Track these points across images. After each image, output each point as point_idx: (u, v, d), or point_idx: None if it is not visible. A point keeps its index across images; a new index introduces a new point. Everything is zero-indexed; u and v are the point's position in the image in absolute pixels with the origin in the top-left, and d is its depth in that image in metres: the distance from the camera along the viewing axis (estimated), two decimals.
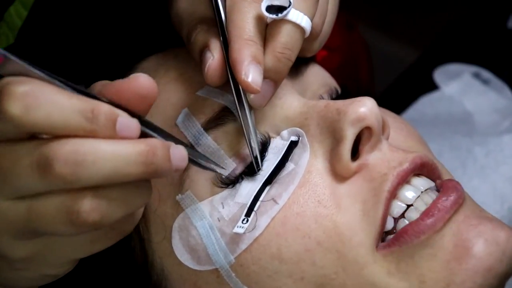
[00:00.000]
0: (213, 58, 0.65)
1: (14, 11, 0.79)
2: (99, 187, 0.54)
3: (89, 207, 0.53)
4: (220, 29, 0.66)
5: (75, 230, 0.54)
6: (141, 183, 0.56)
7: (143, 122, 0.56)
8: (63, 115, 0.52)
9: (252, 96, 0.65)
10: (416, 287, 0.63)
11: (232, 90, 0.65)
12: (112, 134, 0.53)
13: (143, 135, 0.55)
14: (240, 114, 0.66)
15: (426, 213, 0.64)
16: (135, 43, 0.79)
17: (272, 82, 0.65)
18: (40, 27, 0.80)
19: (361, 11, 1.45)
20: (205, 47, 0.66)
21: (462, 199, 0.65)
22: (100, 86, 0.57)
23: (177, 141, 0.58)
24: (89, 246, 0.58)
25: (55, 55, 0.81)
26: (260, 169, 0.66)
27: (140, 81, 0.56)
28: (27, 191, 0.54)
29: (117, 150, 0.53)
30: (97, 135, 0.53)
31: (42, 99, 0.52)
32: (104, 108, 0.54)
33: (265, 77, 0.64)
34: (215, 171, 0.63)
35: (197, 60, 0.67)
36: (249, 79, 0.62)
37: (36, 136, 0.54)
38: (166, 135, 0.58)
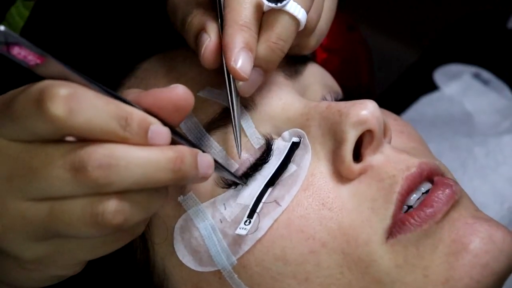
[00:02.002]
0: (210, 40, 0.65)
1: (15, 11, 0.79)
2: (124, 191, 0.55)
3: (114, 209, 0.54)
4: (219, 11, 0.66)
5: (97, 232, 0.55)
6: (161, 188, 0.58)
7: (173, 131, 0.57)
8: (102, 121, 0.53)
9: (240, 83, 0.65)
10: (420, 281, 0.63)
11: (225, 74, 0.66)
12: (144, 141, 0.55)
13: (172, 144, 0.57)
14: (230, 101, 0.66)
15: (425, 204, 0.64)
16: (136, 44, 0.79)
17: (262, 71, 0.65)
18: (42, 27, 0.80)
19: (361, 11, 1.45)
20: (201, 30, 0.66)
21: (457, 196, 0.65)
22: (136, 93, 0.58)
23: (203, 150, 0.59)
24: (101, 248, 0.59)
25: (56, 55, 0.81)
26: (239, 154, 0.66)
27: (178, 92, 0.57)
28: (53, 193, 0.55)
29: (148, 156, 0.54)
30: (129, 142, 0.54)
31: (85, 102, 0.53)
32: (138, 116, 0.55)
33: (256, 65, 0.64)
34: (237, 179, 0.65)
35: (192, 44, 0.67)
36: (238, 66, 0.62)
37: (63, 139, 0.55)
38: (194, 145, 0.59)
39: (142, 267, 0.69)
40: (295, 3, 0.64)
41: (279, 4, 0.63)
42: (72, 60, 0.80)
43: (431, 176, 0.67)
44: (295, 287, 0.64)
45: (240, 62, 0.62)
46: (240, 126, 0.66)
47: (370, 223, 0.64)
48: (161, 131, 0.56)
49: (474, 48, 1.27)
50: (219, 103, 0.68)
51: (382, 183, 0.65)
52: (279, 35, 0.64)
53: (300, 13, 0.64)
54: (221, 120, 0.68)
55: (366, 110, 0.65)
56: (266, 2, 0.64)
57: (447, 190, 0.65)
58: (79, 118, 0.53)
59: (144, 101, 0.57)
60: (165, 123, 0.57)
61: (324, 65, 0.80)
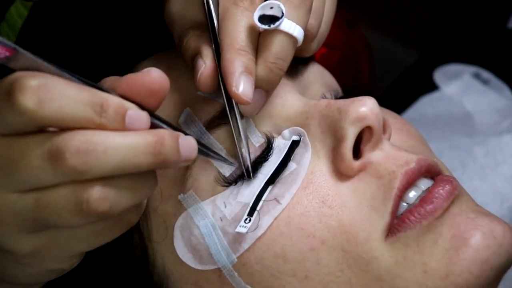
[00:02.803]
0: (205, 66, 0.65)
1: (15, 10, 0.79)
2: (107, 177, 0.54)
3: (98, 196, 0.54)
4: (212, 36, 0.66)
5: (84, 220, 0.55)
6: (147, 173, 0.57)
7: (153, 115, 0.57)
8: (74, 109, 0.53)
9: (243, 106, 0.65)
10: (419, 277, 0.63)
11: (223, 98, 0.66)
12: (122, 127, 0.54)
13: (153, 128, 0.56)
14: (231, 122, 0.66)
15: (425, 200, 0.64)
16: (136, 43, 0.79)
17: (264, 91, 0.65)
18: (41, 27, 0.80)
19: (361, 11, 1.45)
20: (197, 54, 0.66)
21: (457, 191, 0.65)
22: (111, 80, 0.57)
23: (186, 134, 0.58)
24: (95, 238, 0.59)
25: (56, 55, 0.81)
26: (250, 177, 0.66)
27: (152, 75, 0.56)
28: (36, 183, 0.54)
29: (126, 141, 0.54)
30: (107, 128, 0.54)
31: (55, 92, 0.53)
32: (114, 101, 0.54)
33: (257, 86, 0.64)
34: (226, 161, 0.64)
35: (189, 65, 0.67)
36: (240, 91, 0.62)
37: (43, 129, 0.54)
38: (174, 128, 0.58)
39: (142, 265, 0.69)
40: (289, 21, 0.64)
41: (272, 26, 0.63)
42: (72, 59, 0.80)
43: (430, 172, 0.67)
44: (295, 285, 0.64)
45: (242, 87, 0.62)
46: (240, 129, 0.66)
47: (370, 221, 0.64)
48: (139, 116, 0.55)
49: (474, 48, 1.27)
50: (219, 101, 0.68)
51: (381, 179, 0.65)
52: (276, 55, 0.64)
53: (295, 30, 0.64)
54: (221, 118, 0.68)
55: (365, 107, 0.65)
56: (259, 24, 0.63)
57: (447, 186, 0.65)
58: (50, 108, 0.52)
59: (119, 87, 0.56)
60: (143, 107, 0.56)
61: (323, 60, 0.80)
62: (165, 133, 0.56)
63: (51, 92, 0.53)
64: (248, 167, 0.66)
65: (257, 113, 0.67)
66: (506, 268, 0.64)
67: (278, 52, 0.64)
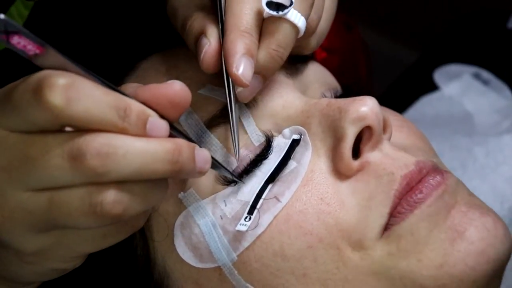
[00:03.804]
0: (210, 45, 0.65)
1: (15, 11, 0.79)
2: (122, 181, 0.55)
3: (113, 199, 0.54)
4: (220, 16, 0.66)
5: (96, 222, 0.55)
6: (160, 180, 0.57)
7: (171, 126, 0.57)
8: (100, 111, 0.53)
9: (239, 89, 0.65)
10: (414, 266, 0.63)
11: (224, 79, 0.66)
12: (142, 133, 0.55)
13: (170, 137, 0.57)
14: (230, 116, 0.66)
15: (413, 190, 0.64)
16: (136, 43, 0.79)
17: (261, 77, 0.65)
18: (42, 27, 0.80)
19: (361, 11, 1.45)
20: (201, 34, 0.66)
21: (448, 180, 0.65)
22: (134, 87, 0.58)
23: (200, 146, 0.59)
24: (101, 240, 0.59)
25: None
26: (237, 158, 0.66)
27: (176, 88, 0.57)
28: (52, 182, 0.54)
29: (146, 147, 0.54)
30: (128, 132, 0.54)
31: (83, 92, 0.53)
32: (137, 107, 0.55)
33: (256, 72, 0.64)
34: (233, 176, 0.65)
35: (192, 48, 0.67)
36: (239, 72, 0.62)
37: (62, 129, 0.55)
38: (191, 140, 0.59)
39: (143, 264, 0.69)
40: (296, 11, 0.64)
41: (280, 12, 0.63)
42: (73, 59, 0.80)
43: (431, 174, 0.67)
44: (293, 283, 0.64)
45: (242, 68, 0.62)
46: (238, 127, 0.66)
47: (367, 221, 0.64)
48: (159, 124, 0.56)
49: (474, 48, 1.27)
50: (220, 100, 0.68)
51: (379, 180, 0.65)
52: (279, 43, 0.64)
53: (300, 21, 0.64)
54: (222, 117, 0.68)
55: (366, 107, 0.65)
56: (267, 9, 0.64)
57: (437, 177, 0.65)
58: (78, 108, 0.53)
59: (141, 95, 0.57)
60: (162, 117, 0.57)
61: (324, 64, 0.80)
62: (183, 142, 0.56)
63: (79, 92, 0.53)
64: (242, 168, 0.66)
65: (251, 98, 0.67)
66: (503, 261, 0.64)
67: (281, 40, 0.64)
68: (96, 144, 0.53)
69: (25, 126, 0.55)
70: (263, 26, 0.65)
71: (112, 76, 0.73)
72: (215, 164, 0.63)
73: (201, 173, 0.58)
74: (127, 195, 0.55)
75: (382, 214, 0.64)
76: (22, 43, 0.51)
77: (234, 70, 0.62)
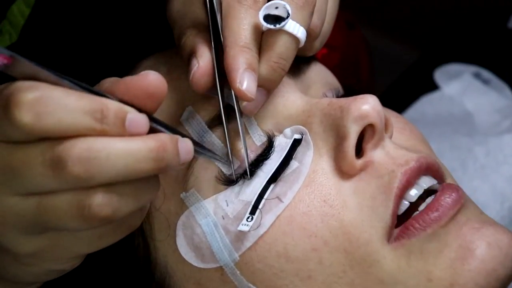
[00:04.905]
0: (198, 66, 0.65)
1: (16, 9, 0.79)
2: (110, 183, 0.54)
3: (101, 201, 0.54)
4: (214, 34, 0.66)
5: (86, 224, 0.54)
6: (150, 178, 0.57)
7: (150, 118, 0.56)
8: (74, 118, 0.53)
9: (244, 103, 0.65)
10: (423, 285, 0.63)
11: (218, 97, 0.66)
12: (122, 131, 0.54)
13: (150, 130, 0.56)
14: (224, 122, 0.66)
15: (430, 208, 0.64)
16: (137, 42, 0.79)
17: (265, 90, 0.65)
18: (43, 25, 0.80)
19: (362, 11, 1.45)
20: (192, 53, 0.66)
21: (463, 199, 0.65)
22: (109, 83, 0.57)
23: (182, 135, 0.58)
24: (97, 241, 0.58)
25: (57, 53, 0.81)
26: (248, 178, 0.66)
27: (149, 78, 0.56)
28: (38, 189, 0.54)
29: (128, 147, 0.53)
30: (108, 133, 0.53)
31: (52, 105, 0.52)
32: (113, 106, 0.54)
33: (259, 85, 0.64)
34: (221, 159, 0.65)
35: (186, 65, 0.67)
36: (244, 87, 0.62)
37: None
38: (172, 130, 0.58)
39: (144, 264, 0.69)
40: (294, 22, 0.64)
41: (277, 26, 0.63)
42: (73, 58, 0.80)
43: (431, 170, 0.67)
44: (298, 285, 0.64)
45: (246, 83, 0.62)
46: (244, 130, 0.66)
47: (371, 222, 0.64)
48: (138, 119, 0.54)
49: (474, 47, 1.27)
50: (218, 98, 0.68)
51: (381, 180, 0.65)
52: (279, 55, 0.64)
53: (299, 31, 0.64)
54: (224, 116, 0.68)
55: (368, 105, 0.65)
56: (264, 24, 0.63)
57: (453, 194, 0.65)
58: (49, 121, 0.52)
59: (117, 90, 0.56)
60: (141, 110, 0.56)
61: (325, 60, 0.80)
62: (166, 137, 0.55)
63: (49, 105, 0.52)
64: (246, 168, 0.66)
65: (256, 111, 0.67)
66: (511, 278, 0.64)
67: (281, 52, 0.64)
68: (76, 150, 0.52)
69: (4, 139, 0.54)
70: (263, 39, 0.65)
71: (113, 75, 0.73)
72: (198, 150, 0.61)
73: (184, 164, 0.57)
74: (115, 196, 0.54)
75: (384, 215, 0.64)
76: None
77: (238, 85, 0.62)
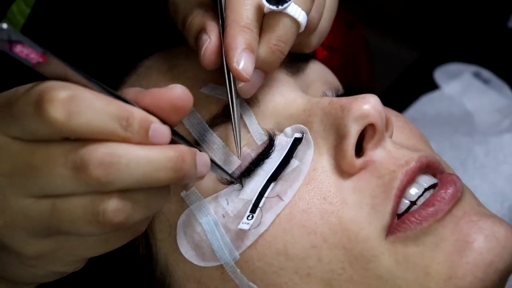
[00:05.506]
0: (210, 41, 0.65)
1: (16, 8, 0.79)
2: (125, 190, 0.54)
3: (116, 207, 0.54)
4: (220, 12, 0.66)
5: (99, 230, 0.55)
6: (163, 187, 0.57)
7: (172, 131, 0.57)
8: (102, 122, 0.53)
9: (241, 84, 0.65)
10: (421, 278, 0.63)
11: (225, 75, 0.66)
12: (145, 140, 0.55)
13: (170, 142, 0.56)
14: (232, 115, 0.66)
15: (426, 203, 0.64)
16: (138, 42, 0.79)
17: (262, 72, 0.65)
18: (43, 25, 0.80)
19: (361, 11, 1.45)
20: (201, 30, 0.66)
21: (460, 193, 0.65)
22: (135, 92, 0.57)
23: (200, 150, 0.59)
24: (103, 245, 0.59)
25: (57, 53, 0.81)
26: (239, 155, 0.66)
27: (177, 92, 0.57)
28: (55, 191, 0.54)
29: (149, 155, 0.54)
30: (130, 141, 0.54)
31: (84, 106, 0.53)
32: (139, 115, 0.55)
33: (257, 67, 0.64)
34: (233, 179, 0.65)
35: (192, 44, 0.67)
36: (240, 67, 0.62)
37: (67, 138, 0.54)
38: (190, 144, 0.59)
39: (145, 263, 0.69)
40: (296, 6, 0.64)
41: (280, 7, 0.63)
42: (74, 58, 0.80)
43: (431, 168, 0.67)
44: (297, 282, 0.64)
45: (243, 63, 0.62)
46: (240, 125, 0.66)
47: (370, 220, 0.64)
48: (161, 130, 0.55)
49: (474, 47, 1.27)
50: (222, 99, 0.68)
51: (381, 179, 0.65)
52: (279, 37, 0.64)
53: (300, 15, 0.64)
54: (224, 116, 0.68)
55: (368, 104, 0.65)
56: (266, 4, 0.64)
57: (450, 189, 0.65)
58: (78, 121, 0.53)
59: (142, 100, 0.56)
60: (163, 122, 0.57)
61: (325, 63, 0.80)
62: (185, 149, 0.56)
63: (80, 105, 0.53)
64: (239, 144, 0.66)
65: (252, 93, 0.67)
66: (510, 270, 0.64)
67: (281, 34, 0.64)
68: (99, 154, 0.53)
69: (27, 136, 0.55)
70: (264, 21, 0.65)
71: (114, 75, 0.73)
72: (214, 166, 0.63)
73: (201, 178, 0.58)
74: (129, 203, 0.55)
75: (384, 214, 0.64)
76: (25, 51, 0.51)
77: (234, 64, 0.62)
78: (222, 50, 0.65)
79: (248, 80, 0.63)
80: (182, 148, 0.56)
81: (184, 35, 0.69)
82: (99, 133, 0.53)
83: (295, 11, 0.64)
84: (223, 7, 0.66)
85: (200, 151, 0.59)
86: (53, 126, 0.52)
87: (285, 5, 0.63)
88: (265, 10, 0.64)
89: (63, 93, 0.53)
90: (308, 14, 0.65)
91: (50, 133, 0.53)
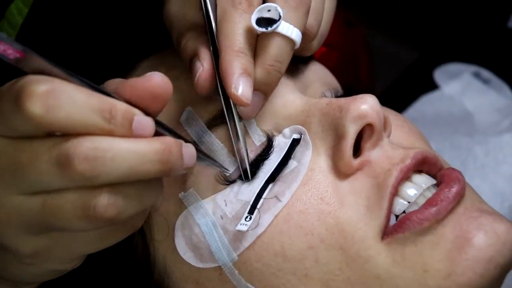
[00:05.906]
0: (203, 69, 0.65)
1: (15, 8, 0.79)
2: (115, 184, 0.54)
3: (106, 202, 0.54)
4: (210, 38, 0.66)
5: (90, 225, 0.54)
6: (154, 180, 0.57)
7: (155, 121, 0.56)
8: (83, 115, 0.53)
9: (242, 108, 0.65)
10: (420, 276, 0.62)
11: (221, 100, 0.66)
12: (129, 133, 0.54)
13: (155, 133, 0.56)
14: (229, 124, 0.66)
15: (429, 203, 0.64)
16: (136, 42, 0.79)
17: (262, 94, 0.65)
18: (41, 25, 0.80)
19: (361, 10, 1.45)
20: (194, 55, 0.66)
21: (464, 190, 0.65)
22: (115, 84, 0.57)
23: (186, 140, 0.58)
24: (99, 241, 0.59)
25: (56, 53, 0.81)
26: (249, 179, 0.66)
27: (155, 80, 0.56)
28: (44, 187, 0.54)
29: (134, 148, 0.54)
30: (114, 134, 0.54)
31: (63, 99, 0.52)
32: (122, 107, 0.54)
33: (255, 89, 0.64)
34: (221, 168, 0.64)
35: (187, 66, 0.67)
36: (239, 92, 0.62)
37: (52, 133, 0.54)
38: (175, 134, 0.58)
39: (143, 264, 0.69)
40: (287, 24, 0.64)
41: (269, 28, 0.63)
42: (72, 58, 0.80)
43: (428, 165, 0.66)
44: (295, 283, 0.64)
45: (241, 88, 0.62)
46: (239, 126, 0.66)
47: (366, 221, 0.64)
48: (145, 122, 0.55)
49: (474, 47, 1.27)
50: (220, 100, 0.68)
51: (376, 179, 0.64)
52: (274, 57, 0.64)
53: (293, 33, 0.64)
54: (223, 117, 0.68)
55: (366, 105, 0.65)
56: (256, 27, 0.63)
57: (454, 187, 0.64)
58: (58, 115, 0.52)
59: (123, 91, 0.56)
60: (146, 112, 0.56)
61: (323, 59, 0.80)
62: (171, 140, 0.55)
63: (60, 99, 0.52)
64: (246, 169, 0.66)
65: (255, 115, 0.67)
66: (510, 266, 0.64)
67: (276, 54, 0.64)
68: (83, 148, 0.52)
69: (13, 133, 0.54)
70: (258, 42, 0.65)
71: (113, 75, 0.73)
72: (201, 157, 0.62)
73: (188, 169, 0.57)
74: (120, 197, 0.54)
75: (379, 215, 0.64)
76: (2, 47, 0.51)
77: (233, 90, 0.62)
78: (216, 75, 0.65)
79: (248, 104, 0.63)
80: (168, 140, 0.55)
81: (179, 52, 0.69)
82: (82, 127, 0.53)
83: (287, 29, 0.64)
84: (214, 32, 0.65)
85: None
86: (33, 120, 0.52)
87: (274, 25, 0.63)
88: (257, 32, 0.64)
89: (41, 87, 0.52)
90: (302, 28, 0.65)
91: (32, 129, 0.53)
